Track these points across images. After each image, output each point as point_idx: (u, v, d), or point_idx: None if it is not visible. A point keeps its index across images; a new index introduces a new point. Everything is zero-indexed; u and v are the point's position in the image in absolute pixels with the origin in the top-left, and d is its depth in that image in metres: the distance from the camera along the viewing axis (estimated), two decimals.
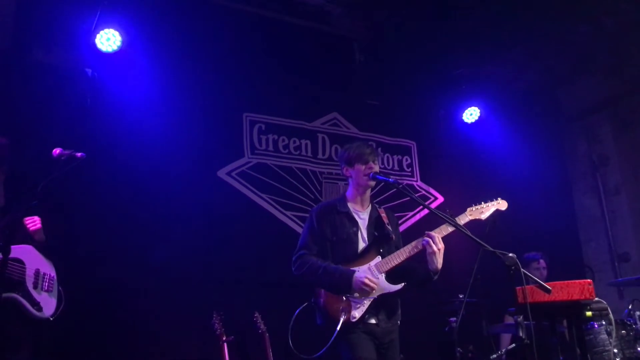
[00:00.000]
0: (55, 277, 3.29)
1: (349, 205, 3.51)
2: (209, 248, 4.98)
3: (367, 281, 3.19)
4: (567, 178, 7.24)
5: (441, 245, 3.23)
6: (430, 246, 3.21)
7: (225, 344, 4.28)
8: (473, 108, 6.49)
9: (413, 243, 3.30)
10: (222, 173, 5.37)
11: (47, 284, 3.22)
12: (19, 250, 3.15)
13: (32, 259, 3.20)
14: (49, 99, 4.59)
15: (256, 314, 4.57)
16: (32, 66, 4.70)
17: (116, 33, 4.65)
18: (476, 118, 6.51)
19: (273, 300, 4.80)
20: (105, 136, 4.66)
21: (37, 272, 3.18)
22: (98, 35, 4.64)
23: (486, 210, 3.42)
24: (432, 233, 3.25)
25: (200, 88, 5.36)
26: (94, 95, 4.80)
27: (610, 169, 6.81)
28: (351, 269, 3.26)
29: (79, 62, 4.85)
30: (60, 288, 3.32)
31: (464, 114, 6.53)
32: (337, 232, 3.41)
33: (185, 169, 5.06)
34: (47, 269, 3.27)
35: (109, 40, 4.66)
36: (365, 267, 3.29)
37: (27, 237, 3.26)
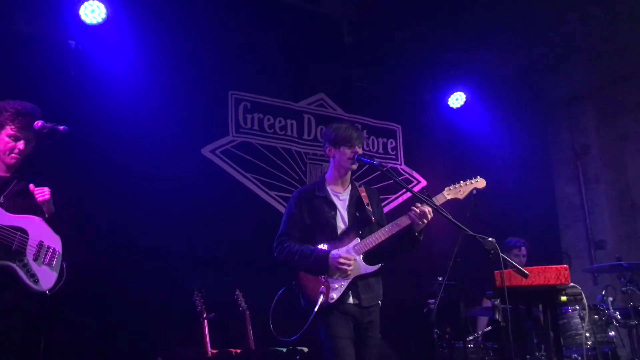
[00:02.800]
0: (59, 252, 3.22)
1: (328, 187, 3.51)
2: (191, 225, 4.98)
3: (342, 260, 3.22)
4: (549, 165, 7.33)
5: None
6: (418, 207, 3.22)
7: (205, 321, 4.32)
8: (459, 93, 6.51)
9: (392, 223, 3.32)
10: (206, 151, 5.35)
11: (49, 258, 3.15)
12: (25, 221, 3.10)
13: (37, 231, 3.13)
14: (31, 71, 4.50)
15: (237, 292, 4.60)
16: (13, 36, 4.60)
17: (101, 5, 4.57)
18: (462, 103, 6.54)
19: (254, 279, 4.83)
20: (88, 110, 4.59)
21: (40, 244, 3.12)
22: (82, 7, 4.55)
23: (464, 189, 3.41)
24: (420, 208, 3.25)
25: (186, 64, 5.30)
26: (77, 68, 4.72)
27: (591, 158, 6.91)
28: (327, 249, 3.29)
29: (63, 33, 4.76)
30: (63, 264, 3.25)
31: (450, 99, 6.55)
32: (316, 217, 3.42)
33: (168, 146, 5.03)
34: (52, 242, 3.20)
35: (93, 12, 4.57)
36: (343, 248, 3.32)
37: (37, 209, 3.19)
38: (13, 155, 3.15)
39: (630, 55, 6.37)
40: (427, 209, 3.23)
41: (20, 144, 3.15)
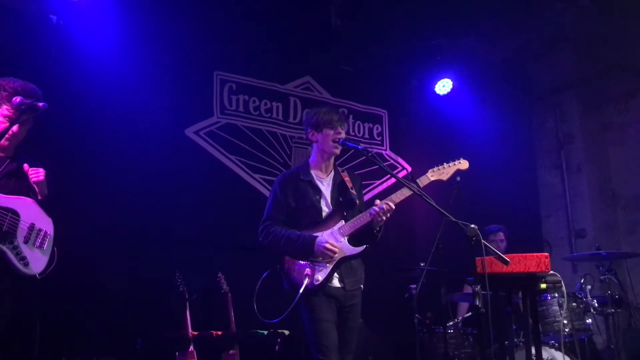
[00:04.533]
0: (51, 235, 3.14)
1: (312, 172, 3.50)
2: (174, 207, 4.95)
3: (328, 246, 3.23)
4: (533, 154, 7.37)
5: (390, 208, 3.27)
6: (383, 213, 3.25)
7: (187, 303, 4.31)
8: (446, 80, 6.50)
9: (370, 209, 3.31)
10: (189, 132, 5.29)
11: (40, 241, 3.07)
12: (16, 202, 3.02)
13: (29, 213, 3.05)
14: (10, 45, 4.39)
15: (219, 275, 4.59)
16: None
17: None
18: (448, 90, 6.53)
19: (237, 261, 4.83)
20: (69, 88, 4.50)
21: (31, 227, 3.04)
22: None
23: (448, 170, 3.45)
24: (389, 203, 3.27)
25: (171, 43, 5.21)
26: (58, 44, 4.61)
27: (575, 147, 6.95)
28: (314, 234, 3.30)
29: (44, 7, 4.64)
30: (55, 248, 3.17)
31: (437, 86, 6.54)
32: (301, 200, 3.41)
33: (152, 126, 4.96)
34: (45, 225, 3.12)
35: None
36: (328, 231, 3.33)
37: (29, 190, 3.11)
38: (7, 136, 3.07)
39: (617, 46, 6.40)
40: (387, 206, 3.23)
41: (15, 127, 3.05)
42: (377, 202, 3.29)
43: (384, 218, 3.27)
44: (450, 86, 6.51)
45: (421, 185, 3.35)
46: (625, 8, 5.79)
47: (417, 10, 5.63)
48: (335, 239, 3.30)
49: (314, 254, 3.25)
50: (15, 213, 3.00)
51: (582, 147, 6.91)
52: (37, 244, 3.07)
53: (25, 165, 3.10)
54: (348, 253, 3.31)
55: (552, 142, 7.16)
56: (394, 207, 3.27)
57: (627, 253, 5.56)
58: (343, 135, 3.44)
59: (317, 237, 3.27)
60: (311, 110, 3.56)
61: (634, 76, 6.67)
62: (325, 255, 3.24)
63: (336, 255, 3.26)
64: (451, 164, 3.48)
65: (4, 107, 3.05)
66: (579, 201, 6.83)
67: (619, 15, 5.92)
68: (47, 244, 3.13)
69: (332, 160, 3.55)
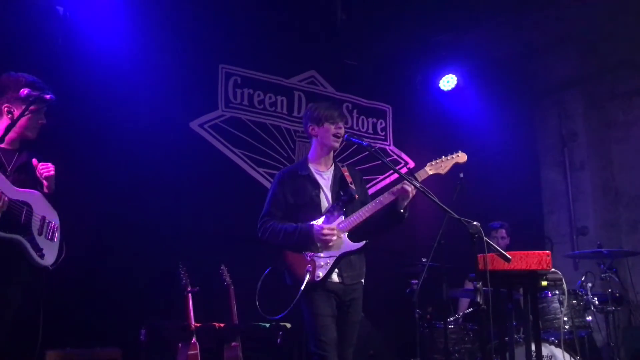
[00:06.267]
0: (58, 227, 3.19)
1: (311, 166, 3.50)
2: (178, 199, 4.97)
3: (326, 231, 3.23)
4: (536, 151, 7.37)
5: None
6: (408, 186, 3.24)
7: (190, 295, 4.33)
8: (450, 76, 6.51)
9: (375, 200, 3.33)
10: (194, 125, 5.30)
11: (51, 233, 3.12)
12: (27, 195, 3.04)
13: (39, 205, 3.08)
14: (16, 37, 4.39)
15: (222, 267, 4.62)
16: None
17: None
18: (453, 86, 6.54)
19: (240, 254, 4.85)
20: (76, 80, 4.50)
21: (43, 219, 3.07)
22: None
23: (446, 164, 3.42)
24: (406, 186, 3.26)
25: (177, 35, 5.21)
26: (64, 36, 4.62)
27: (578, 144, 6.96)
28: (310, 223, 3.30)
29: None
30: (61, 239, 3.22)
31: (441, 82, 6.54)
32: (299, 196, 3.42)
33: (156, 118, 4.97)
34: (53, 217, 3.17)
35: None
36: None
37: (36, 183, 3.14)
38: (17, 129, 3.09)
39: (622, 44, 6.39)
40: (410, 188, 3.24)
41: (44, 119, 3.14)
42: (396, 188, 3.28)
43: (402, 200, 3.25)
44: (455, 82, 6.52)
45: (420, 180, 3.32)
46: (630, 5, 5.78)
47: (423, 6, 5.62)
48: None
49: (313, 242, 3.25)
50: (29, 206, 3.03)
51: (585, 145, 6.92)
52: (49, 236, 3.11)
53: (34, 160, 3.13)
54: (348, 249, 3.31)
55: (555, 140, 7.17)
56: (409, 188, 3.23)
57: (629, 251, 5.59)
58: (343, 130, 3.44)
59: (313, 225, 3.27)
60: (312, 105, 3.57)
61: (639, 74, 6.67)
62: (325, 241, 3.23)
63: (334, 242, 3.24)
64: (449, 157, 3.45)
65: (11, 100, 3.06)
66: (582, 199, 6.85)
67: (624, 13, 5.91)
68: (57, 236, 3.17)
69: (331, 154, 3.55)
